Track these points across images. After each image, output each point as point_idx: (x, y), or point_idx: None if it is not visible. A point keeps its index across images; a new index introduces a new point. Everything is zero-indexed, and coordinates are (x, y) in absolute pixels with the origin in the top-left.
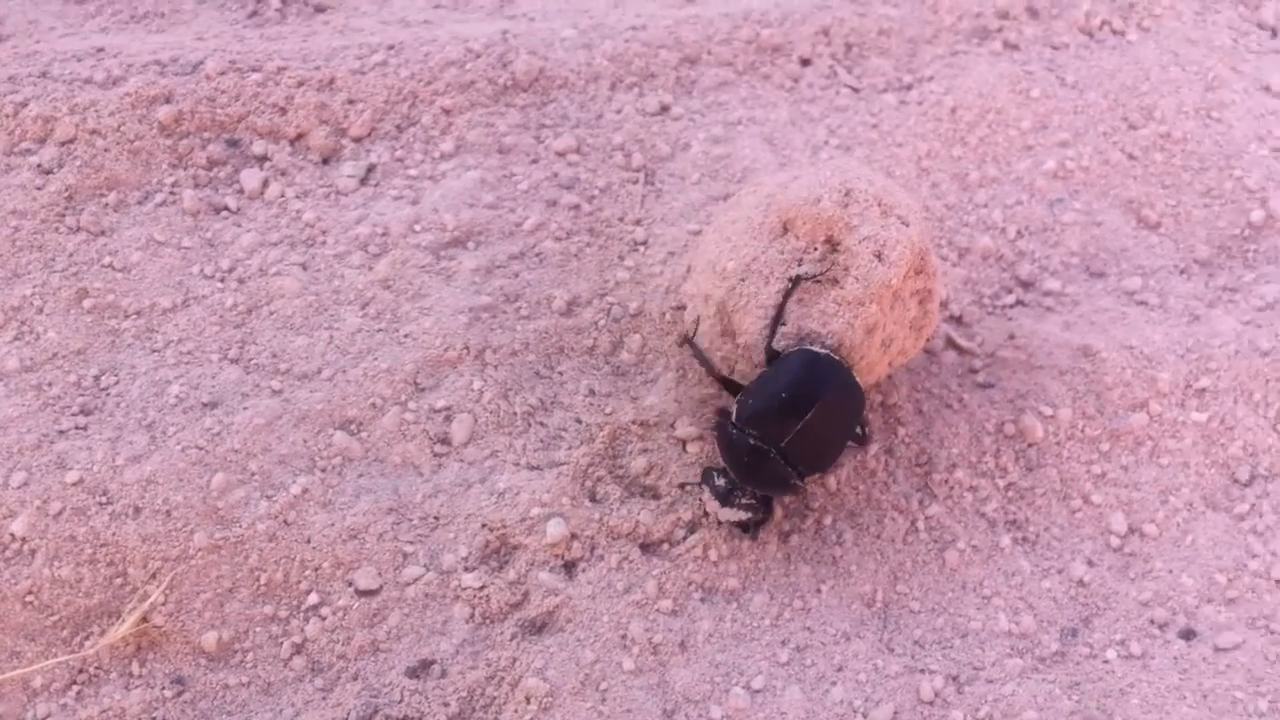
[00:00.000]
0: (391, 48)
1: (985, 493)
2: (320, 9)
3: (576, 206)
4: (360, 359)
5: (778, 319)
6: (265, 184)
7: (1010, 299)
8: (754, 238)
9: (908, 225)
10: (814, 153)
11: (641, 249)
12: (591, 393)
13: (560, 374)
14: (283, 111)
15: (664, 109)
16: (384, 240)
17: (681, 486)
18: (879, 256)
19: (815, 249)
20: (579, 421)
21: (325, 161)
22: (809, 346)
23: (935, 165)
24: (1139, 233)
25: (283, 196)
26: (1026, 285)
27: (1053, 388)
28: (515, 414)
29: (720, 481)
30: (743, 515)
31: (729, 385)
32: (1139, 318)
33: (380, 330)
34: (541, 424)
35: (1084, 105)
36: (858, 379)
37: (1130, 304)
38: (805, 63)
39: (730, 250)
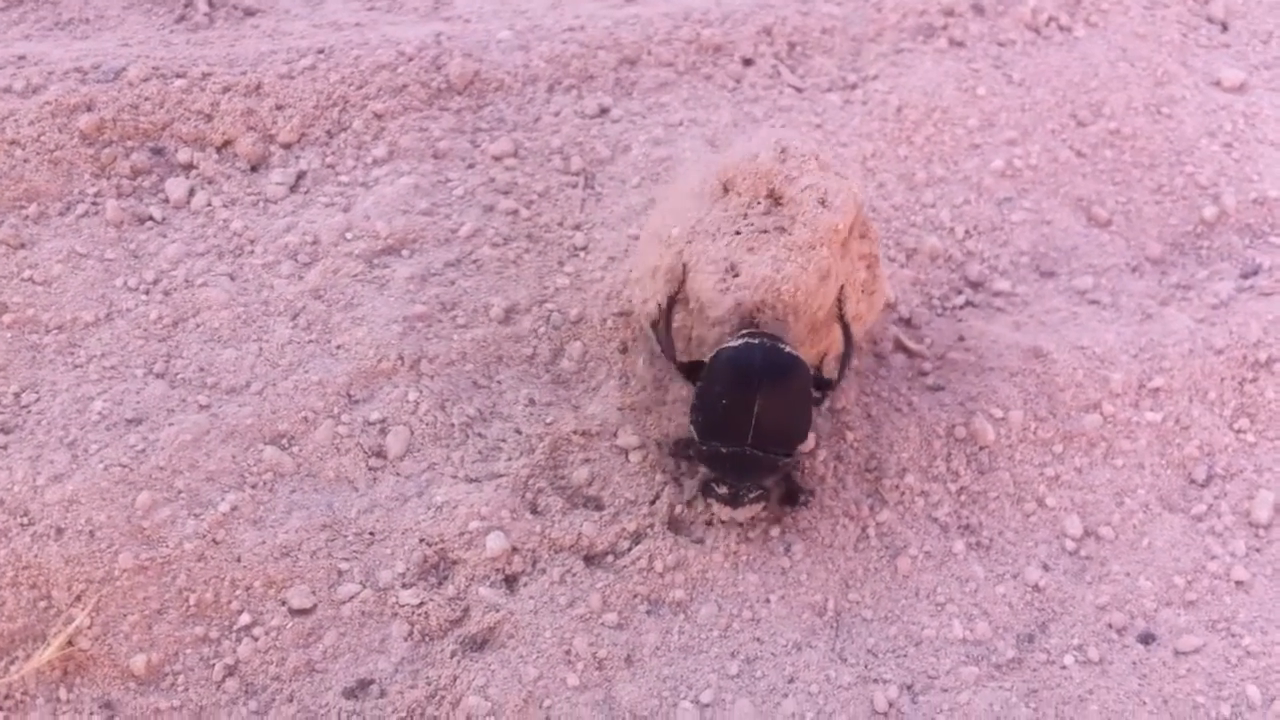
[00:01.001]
0: (321, 51)
1: (937, 497)
2: (250, 13)
3: (514, 212)
4: (291, 371)
5: (669, 338)
6: (191, 193)
7: (959, 300)
8: (696, 202)
9: (846, 179)
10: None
11: (581, 254)
12: (531, 402)
13: (499, 383)
14: (208, 118)
15: (603, 111)
16: (314, 249)
17: (689, 504)
18: (823, 203)
19: (759, 203)
20: (518, 432)
21: (254, 169)
22: (723, 345)
23: (881, 165)
24: (1089, 231)
25: (209, 205)
26: (976, 286)
27: (1004, 390)
28: (453, 425)
29: (722, 489)
30: (758, 506)
31: (689, 371)
32: (1091, 317)
33: (311, 341)
34: (480, 435)
35: (1032, 103)
36: (789, 347)
37: (1082, 303)
38: (747, 62)
39: (674, 218)
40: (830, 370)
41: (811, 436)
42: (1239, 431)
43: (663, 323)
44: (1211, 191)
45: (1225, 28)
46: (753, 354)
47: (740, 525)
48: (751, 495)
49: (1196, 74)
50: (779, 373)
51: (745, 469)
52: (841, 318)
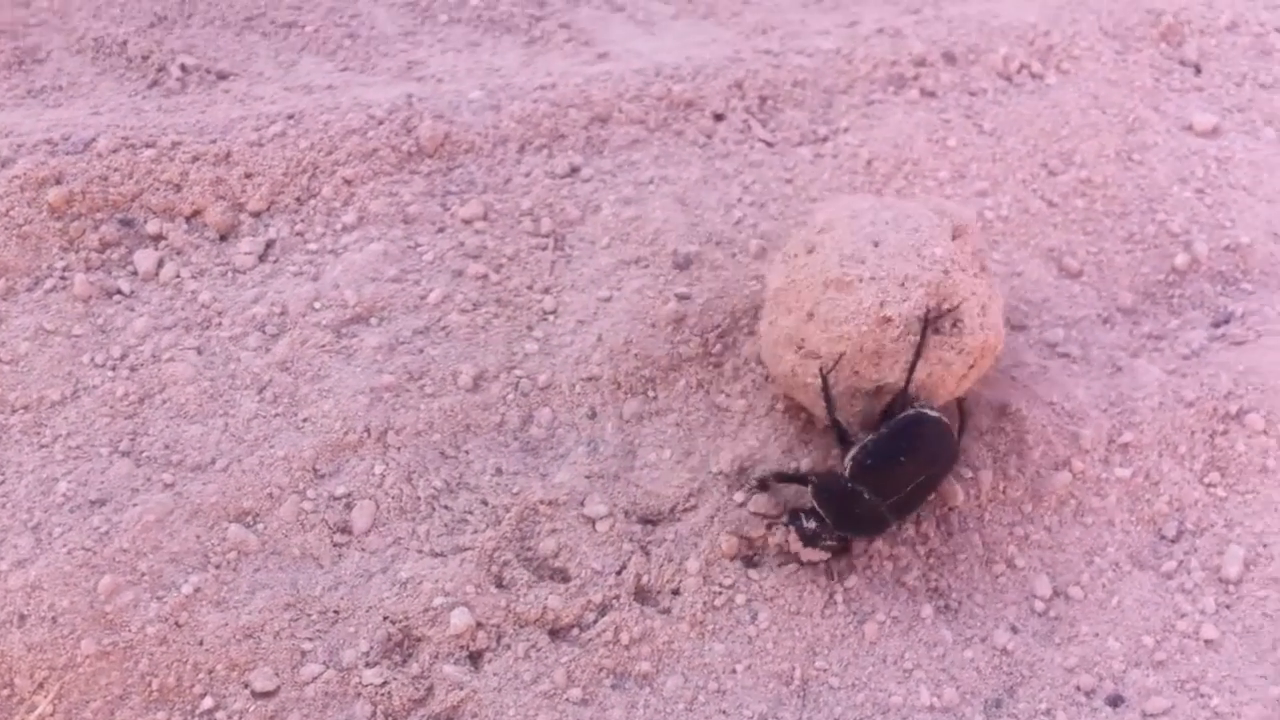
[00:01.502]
0: (291, 117)
1: (905, 561)
2: (222, 76)
3: (484, 276)
4: (256, 447)
5: (833, 412)
6: (160, 264)
7: None
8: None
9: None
10: (726, 210)
11: (551, 318)
12: (499, 471)
13: (467, 453)
14: (178, 188)
15: (574, 170)
16: (282, 320)
17: (769, 526)
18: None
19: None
20: (485, 503)
21: (223, 238)
22: (923, 409)
23: None
24: (1060, 282)
25: (178, 277)
26: None
27: (973, 449)
28: (419, 498)
29: (810, 524)
30: (824, 555)
31: (840, 432)
32: (1061, 371)
33: (278, 415)
34: (446, 507)
35: (1003, 152)
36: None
37: (1052, 356)
38: (718, 118)
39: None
40: None
41: None
42: (1209, 485)
43: (825, 394)
44: (1183, 239)
45: (1199, 70)
46: (947, 433)
47: (807, 564)
48: (830, 543)
49: (1169, 119)
50: (952, 457)
51: (861, 521)
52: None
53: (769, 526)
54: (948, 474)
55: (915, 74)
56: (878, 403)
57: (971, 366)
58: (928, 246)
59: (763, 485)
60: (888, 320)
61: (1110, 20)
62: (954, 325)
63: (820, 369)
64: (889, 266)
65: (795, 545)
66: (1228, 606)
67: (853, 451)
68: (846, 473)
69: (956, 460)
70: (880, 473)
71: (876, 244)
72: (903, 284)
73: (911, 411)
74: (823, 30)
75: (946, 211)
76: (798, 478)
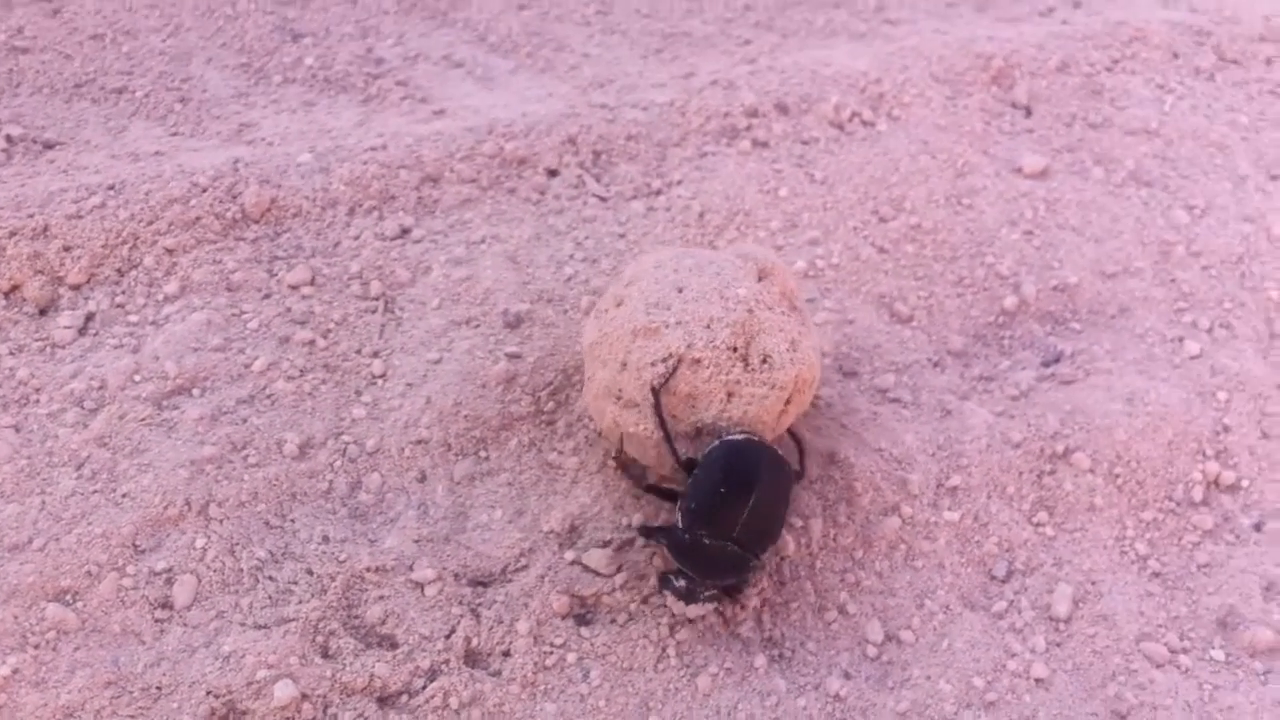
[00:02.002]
0: (112, 188)
1: (737, 612)
2: (49, 145)
3: (311, 342)
4: (74, 524)
5: (666, 431)
6: None
7: None
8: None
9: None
10: (558, 267)
11: (380, 382)
12: (326, 539)
13: (293, 522)
14: None
15: (404, 232)
16: (101, 394)
17: (660, 590)
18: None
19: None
20: (310, 572)
21: (42, 313)
22: (728, 437)
23: None
24: (892, 328)
25: None
26: None
27: (803, 498)
28: (242, 570)
29: (680, 583)
30: (709, 608)
31: (688, 466)
32: (891, 417)
33: (96, 491)
34: (271, 578)
35: (834, 201)
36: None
37: (883, 402)
38: (552, 173)
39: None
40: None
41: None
42: (1038, 525)
43: (656, 412)
44: (1012, 281)
45: (1029, 112)
46: (759, 449)
47: (690, 621)
48: (707, 595)
49: (998, 162)
50: (777, 471)
51: (717, 566)
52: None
53: (660, 590)
54: (782, 491)
55: (748, 125)
56: (700, 446)
57: (788, 401)
58: (730, 288)
59: (647, 533)
60: (697, 362)
61: (941, 66)
62: (764, 361)
63: (651, 385)
64: (693, 310)
65: (678, 608)
66: (1058, 645)
67: (679, 502)
68: (680, 523)
69: (784, 472)
70: (707, 512)
71: (680, 290)
72: (708, 326)
73: (715, 442)
74: (659, 83)
75: (751, 255)
76: (654, 534)
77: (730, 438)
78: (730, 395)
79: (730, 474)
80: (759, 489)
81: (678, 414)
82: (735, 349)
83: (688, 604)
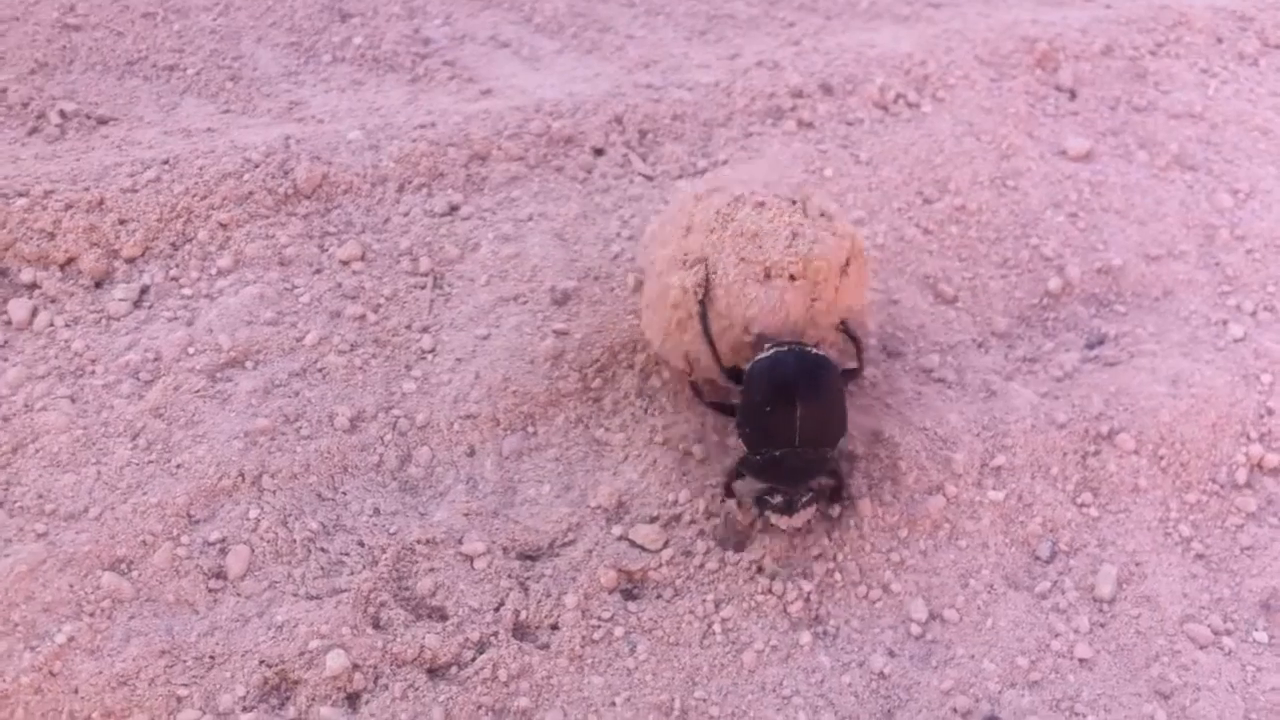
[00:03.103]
0: (166, 163)
1: (783, 590)
2: (102, 121)
3: (362, 317)
4: (130, 494)
5: (712, 342)
6: (34, 313)
7: None
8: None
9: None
10: (605, 245)
11: (429, 357)
12: (377, 512)
13: (344, 494)
14: (51, 236)
15: (453, 209)
16: (156, 366)
17: (752, 522)
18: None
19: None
20: (361, 544)
21: (98, 285)
22: (760, 355)
23: None
24: (936, 308)
25: (51, 325)
26: None
27: (850, 475)
28: (295, 541)
29: (777, 499)
30: (811, 513)
31: (734, 375)
32: (935, 397)
33: (151, 462)
34: (323, 550)
35: (878, 181)
36: (814, 348)
37: (928, 382)
38: (599, 152)
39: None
40: (850, 361)
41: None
42: (1082, 506)
43: (702, 322)
44: (1056, 263)
45: (1074, 95)
46: (786, 360)
47: (794, 531)
48: (805, 499)
49: (1043, 144)
50: (812, 374)
51: (798, 470)
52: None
53: (752, 524)
54: (830, 390)
55: (793, 105)
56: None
57: (848, 263)
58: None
59: (729, 491)
60: (760, 204)
61: (985, 49)
62: (822, 214)
63: (694, 295)
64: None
65: (784, 523)
66: (1101, 625)
67: (737, 425)
68: (746, 448)
69: (827, 370)
70: (762, 431)
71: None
72: (765, 185)
73: (753, 360)
74: (704, 64)
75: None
76: (735, 475)
77: (760, 356)
78: (794, 235)
79: (770, 391)
80: (800, 397)
81: (746, 255)
82: (794, 202)
83: (790, 515)
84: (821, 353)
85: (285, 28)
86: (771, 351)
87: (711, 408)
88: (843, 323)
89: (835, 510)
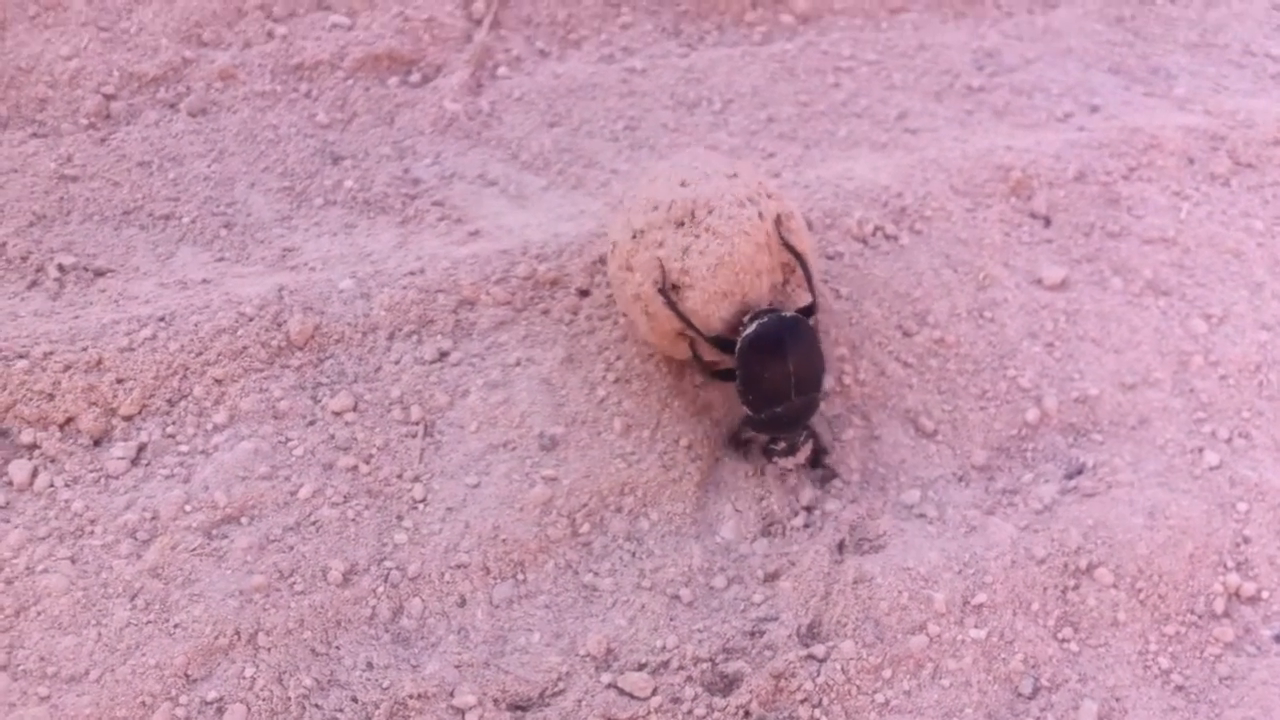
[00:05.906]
0: (162, 319)
1: None
2: (100, 273)
3: (354, 468)
4: (129, 655)
5: (688, 322)
6: (34, 474)
7: (798, 521)
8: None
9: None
10: (590, 390)
11: (421, 507)
12: (370, 666)
13: (338, 649)
14: (50, 397)
15: (443, 355)
16: (153, 525)
17: (763, 472)
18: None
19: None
20: (355, 700)
21: (96, 443)
22: (745, 330)
23: None
24: (917, 442)
25: (52, 486)
26: (809, 509)
27: (828, 617)
28: (289, 699)
29: (781, 445)
30: (810, 445)
31: (720, 343)
32: (916, 534)
33: (149, 622)
34: (317, 706)
35: (859, 316)
36: (788, 311)
37: (909, 518)
38: (584, 294)
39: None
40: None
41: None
42: (1063, 641)
43: (670, 306)
44: (1033, 394)
45: (1048, 223)
46: (773, 323)
47: (798, 468)
48: (803, 437)
49: (1018, 273)
50: (797, 328)
51: (799, 417)
52: (791, 248)
53: (763, 472)
54: (810, 339)
55: None
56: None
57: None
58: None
59: (737, 445)
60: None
61: (960, 178)
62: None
63: (659, 287)
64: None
65: (789, 464)
66: None
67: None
68: (750, 411)
69: (802, 325)
70: (764, 395)
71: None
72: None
73: (740, 334)
74: None
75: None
76: (743, 435)
77: (744, 333)
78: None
79: (763, 356)
80: (791, 352)
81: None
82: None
83: (795, 454)
84: (794, 314)
85: (278, 172)
86: (754, 325)
87: (717, 377)
88: (793, 249)
89: (818, 474)
